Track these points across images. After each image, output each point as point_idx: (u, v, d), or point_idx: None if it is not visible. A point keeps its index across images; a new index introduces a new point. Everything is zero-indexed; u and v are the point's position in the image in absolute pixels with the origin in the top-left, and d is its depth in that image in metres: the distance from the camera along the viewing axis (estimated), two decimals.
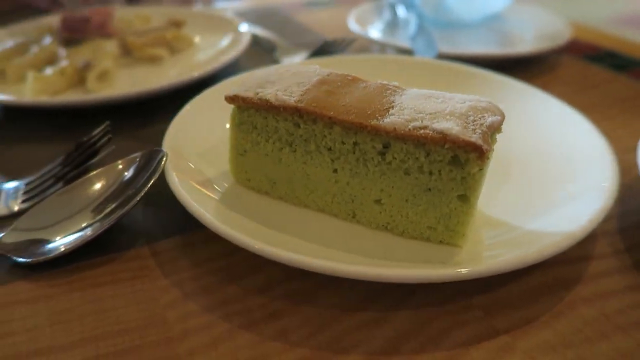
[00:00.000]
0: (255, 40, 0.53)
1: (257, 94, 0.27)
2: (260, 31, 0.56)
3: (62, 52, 0.46)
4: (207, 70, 0.42)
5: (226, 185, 0.29)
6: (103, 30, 0.48)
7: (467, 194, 0.23)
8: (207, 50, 0.51)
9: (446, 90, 0.26)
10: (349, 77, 0.28)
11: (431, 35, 0.48)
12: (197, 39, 0.53)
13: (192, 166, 0.30)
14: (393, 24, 0.56)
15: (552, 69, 0.50)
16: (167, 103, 0.40)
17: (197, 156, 0.31)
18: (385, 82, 0.28)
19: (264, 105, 0.26)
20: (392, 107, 0.25)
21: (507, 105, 0.28)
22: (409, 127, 0.23)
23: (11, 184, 0.31)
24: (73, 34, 0.47)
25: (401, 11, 0.56)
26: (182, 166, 0.29)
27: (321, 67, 0.29)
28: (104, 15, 0.48)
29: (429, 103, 0.25)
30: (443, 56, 0.45)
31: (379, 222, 0.26)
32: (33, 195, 0.30)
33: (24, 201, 0.30)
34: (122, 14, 0.53)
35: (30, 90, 0.40)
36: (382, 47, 0.52)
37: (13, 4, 0.65)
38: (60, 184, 0.31)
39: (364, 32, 0.53)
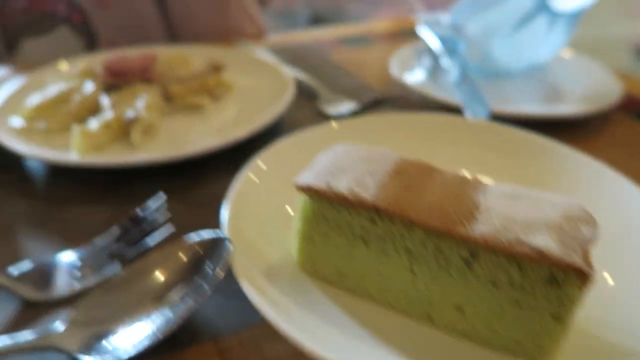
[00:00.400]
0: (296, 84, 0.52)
1: (330, 185, 0.25)
2: (299, 74, 0.55)
3: (104, 99, 0.45)
4: (257, 127, 0.41)
5: (291, 271, 0.28)
6: (145, 75, 0.47)
7: (562, 314, 0.22)
8: (249, 96, 0.50)
9: (502, 156, 0.25)
10: (425, 167, 0.27)
11: (478, 89, 0.47)
12: (237, 82, 0.52)
13: (255, 250, 0.28)
14: (434, 71, 0.55)
15: (600, 129, 0.49)
16: (213, 158, 0.40)
17: (258, 236, 0.30)
18: (462, 173, 0.26)
19: (338, 199, 0.25)
20: (478, 209, 0.24)
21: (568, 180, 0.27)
22: (502, 239, 0.22)
23: (65, 257, 0.30)
24: (116, 80, 0.46)
25: (444, 58, 0.55)
26: (245, 250, 0.28)
27: (391, 151, 0.28)
28: (148, 61, 0.47)
29: (517, 207, 0.24)
30: (495, 116, 0.44)
31: (458, 329, 0.25)
32: (88, 273, 0.29)
33: (80, 280, 0.29)
34: (162, 55, 0.52)
35: (77, 146, 0.39)
36: (424, 98, 0.51)
37: (32, 13, 0.64)
38: (115, 262, 0.30)
39: (405, 78, 0.52)
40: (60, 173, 0.39)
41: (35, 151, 0.38)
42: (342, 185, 0.25)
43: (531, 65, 0.55)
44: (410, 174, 0.26)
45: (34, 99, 0.45)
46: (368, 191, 0.25)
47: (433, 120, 0.41)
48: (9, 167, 0.40)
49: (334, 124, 0.40)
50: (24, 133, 0.42)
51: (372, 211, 0.25)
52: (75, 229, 0.33)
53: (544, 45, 0.54)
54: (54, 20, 0.64)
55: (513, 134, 0.40)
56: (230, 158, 0.39)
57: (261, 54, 0.60)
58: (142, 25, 0.67)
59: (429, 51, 0.58)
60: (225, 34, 0.72)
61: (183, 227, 0.31)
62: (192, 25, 0.70)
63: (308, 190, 0.26)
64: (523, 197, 0.25)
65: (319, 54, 0.65)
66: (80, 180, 0.39)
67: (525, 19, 0.50)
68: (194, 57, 0.54)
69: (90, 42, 0.66)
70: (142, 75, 0.47)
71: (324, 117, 0.48)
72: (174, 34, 0.70)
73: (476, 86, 0.48)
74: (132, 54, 0.50)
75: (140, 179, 0.38)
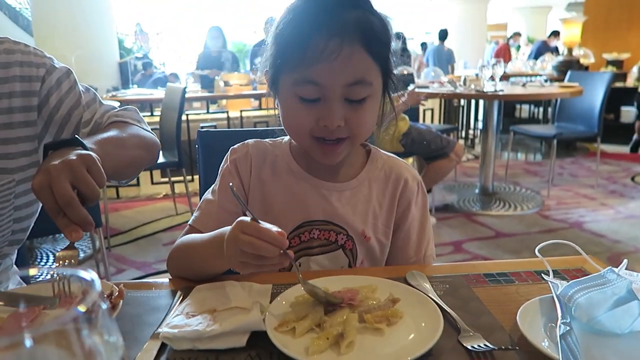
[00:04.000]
0: None
1: None
2: (447, 308, 0.80)
3: (324, 318, 0.75)
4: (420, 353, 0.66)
5: None
6: (352, 301, 0.77)
7: None
8: (412, 327, 0.75)
9: None
10: None
11: (577, 348, 0.65)
12: (406, 311, 0.78)
13: None
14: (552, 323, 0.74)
15: None
16: None
17: None
18: None
19: None
20: None
21: None
22: None
23: None
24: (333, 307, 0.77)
25: (558, 312, 0.74)
26: None
27: None
28: (356, 293, 0.78)
29: None
30: None
31: None
32: None
33: None
34: (360, 285, 0.82)
35: (311, 351, 0.68)
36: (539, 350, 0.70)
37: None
38: None
39: (526, 331, 0.72)
40: None
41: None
42: None
43: (633, 330, 0.71)
44: None
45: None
46: None
47: None
48: None
49: None
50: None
51: None
52: None
53: None
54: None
55: None
56: None
57: (424, 285, 0.87)
58: None
59: (553, 304, 0.78)
60: None
61: None
62: None
63: None
64: None
65: (466, 289, 0.89)
66: None
67: (620, 302, 0.68)
68: (379, 289, 0.83)
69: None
70: (351, 301, 0.77)
71: (463, 348, 0.71)
72: None
73: (577, 343, 0.66)
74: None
75: None
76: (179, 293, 0.87)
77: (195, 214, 1.05)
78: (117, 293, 0.81)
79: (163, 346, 0.72)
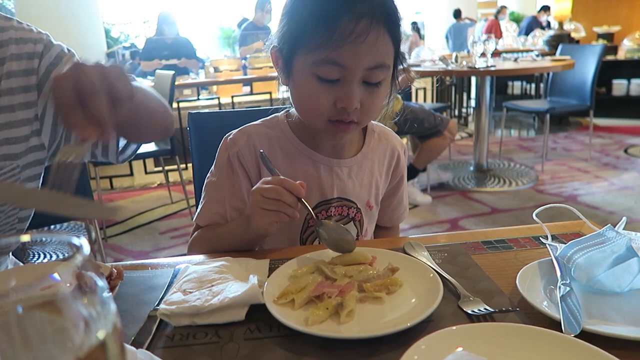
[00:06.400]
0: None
1: None
2: (447, 275, 0.79)
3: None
4: (415, 321, 0.65)
5: None
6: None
7: None
8: (411, 295, 0.75)
9: None
10: None
11: (578, 307, 0.65)
12: (405, 279, 0.78)
13: None
14: (552, 285, 0.74)
15: None
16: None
17: None
18: None
19: None
20: None
21: None
22: None
23: None
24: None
25: (557, 273, 0.74)
26: None
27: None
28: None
29: None
30: (588, 334, 0.61)
31: None
32: None
33: None
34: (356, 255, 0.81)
35: (310, 322, 0.67)
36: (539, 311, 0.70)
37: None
38: None
39: (526, 292, 0.72)
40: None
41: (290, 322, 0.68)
42: None
43: (634, 289, 0.71)
44: None
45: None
46: None
47: (523, 331, 0.61)
48: None
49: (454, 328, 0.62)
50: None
51: None
52: None
53: None
54: None
55: (593, 354, 0.57)
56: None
57: (423, 254, 0.86)
58: None
59: (552, 266, 0.77)
60: None
61: None
62: None
63: None
64: None
65: (464, 256, 0.89)
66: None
67: (620, 260, 0.68)
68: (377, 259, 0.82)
69: None
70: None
71: (463, 313, 0.71)
72: None
73: (577, 303, 0.66)
74: None
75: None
76: (175, 270, 0.86)
77: (201, 210, 1.01)
78: (116, 274, 0.80)
79: (161, 323, 0.71)
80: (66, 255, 0.36)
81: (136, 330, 0.70)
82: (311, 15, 0.81)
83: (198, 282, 0.78)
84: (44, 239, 3.12)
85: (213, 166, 1.03)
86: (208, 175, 1.03)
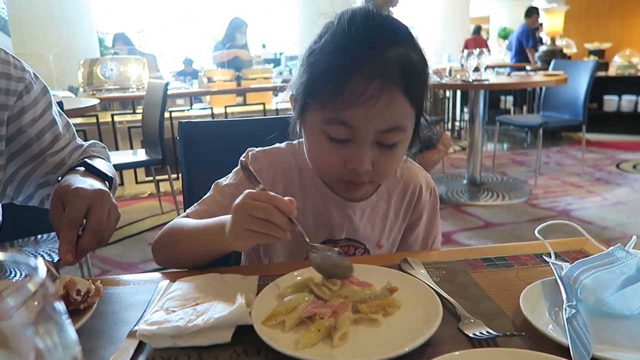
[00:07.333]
0: None
1: None
2: (446, 295, 0.75)
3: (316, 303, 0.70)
4: (415, 344, 0.61)
5: None
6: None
7: None
8: (409, 316, 0.71)
9: None
10: None
11: (586, 331, 0.61)
12: (404, 300, 0.73)
13: None
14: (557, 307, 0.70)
15: None
16: None
17: None
18: None
19: None
20: None
21: None
22: None
23: None
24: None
25: (563, 294, 0.70)
26: None
27: None
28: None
29: None
30: None
31: None
32: None
33: None
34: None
35: (301, 345, 0.63)
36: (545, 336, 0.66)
37: None
38: None
39: (529, 315, 0.68)
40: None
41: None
42: None
43: None
44: None
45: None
46: None
47: (530, 358, 0.57)
48: None
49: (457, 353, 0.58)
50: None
51: None
52: None
53: None
54: None
55: None
56: None
57: (420, 272, 0.82)
58: None
59: (556, 286, 0.73)
60: None
61: None
62: None
63: None
64: None
65: (464, 274, 0.85)
66: None
67: (630, 281, 0.64)
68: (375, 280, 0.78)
69: None
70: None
71: (464, 336, 0.66)
72: None
73: (585, 327, 0.62)
74: None
75: None
76: (158, 287, 0.81)
77: (197, 204, 0.96)
78: (94, 291, 0.74)
79: (141, 345, 0.66)
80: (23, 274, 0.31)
81: (113, 351, 0.65)
82: (323, 70, 0.77)
83: (182, 300, 0.73)
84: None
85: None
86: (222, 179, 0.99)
